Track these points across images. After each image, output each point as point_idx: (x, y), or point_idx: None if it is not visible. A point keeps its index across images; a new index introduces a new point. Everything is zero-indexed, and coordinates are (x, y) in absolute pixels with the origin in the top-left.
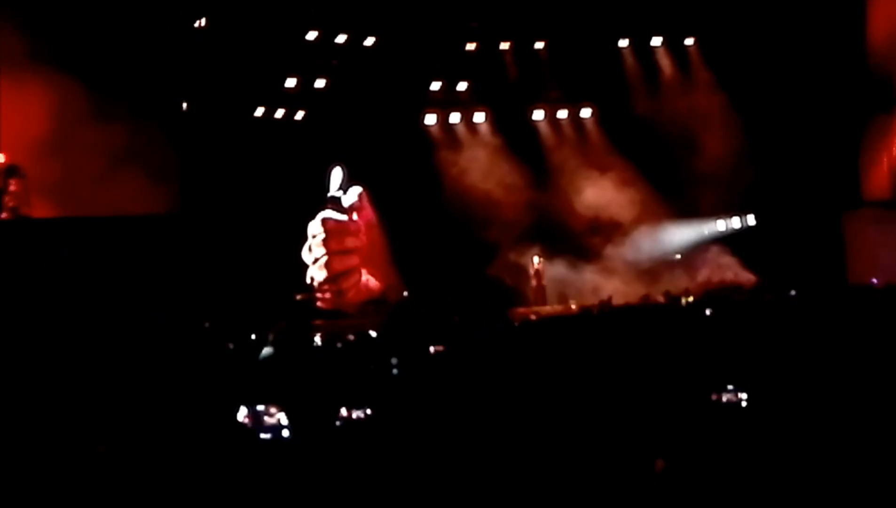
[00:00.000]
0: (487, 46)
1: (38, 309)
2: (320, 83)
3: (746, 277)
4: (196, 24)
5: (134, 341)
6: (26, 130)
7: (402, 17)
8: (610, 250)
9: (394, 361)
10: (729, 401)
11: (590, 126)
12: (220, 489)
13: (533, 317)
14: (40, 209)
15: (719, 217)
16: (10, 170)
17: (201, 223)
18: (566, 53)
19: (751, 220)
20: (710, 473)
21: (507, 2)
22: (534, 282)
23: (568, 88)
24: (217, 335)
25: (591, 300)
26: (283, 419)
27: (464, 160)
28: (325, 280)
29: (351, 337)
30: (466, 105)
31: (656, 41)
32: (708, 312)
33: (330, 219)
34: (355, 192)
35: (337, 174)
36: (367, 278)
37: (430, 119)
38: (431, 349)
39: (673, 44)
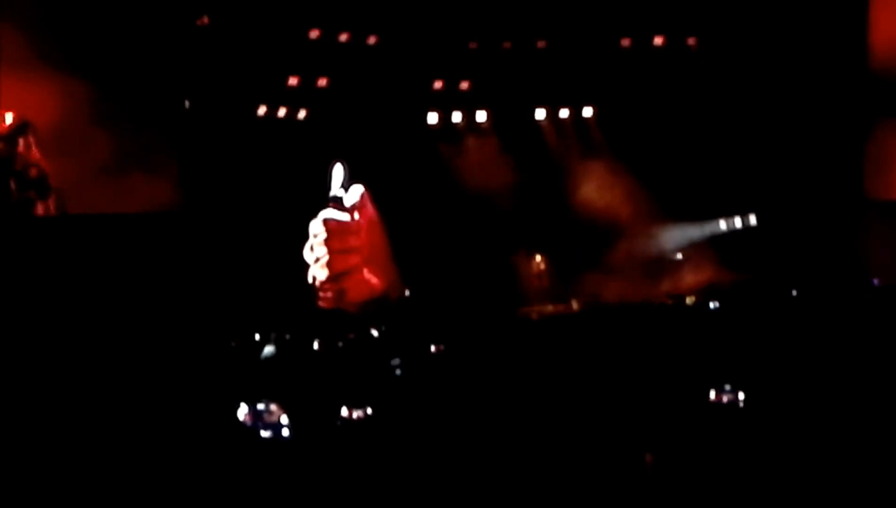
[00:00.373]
0: (489, 45)
1: (40, 307)
2: (322, 82)
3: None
4: (198, 22)
5: (136, 338)
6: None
7: (404, 16)
8: (612, 250)
9: (395, 361)
10: (728, 400)
11: (592, 126)
12: (220, 487)
13: (534, 316)
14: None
15: (721, 217)
16: (21, 128)
17: (203, 222)
18: (568, 53)
19: (752, 220)
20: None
21: (508, 1)
22: (535, 281)
23: (570, 88)
24: (219, 333)
25: (594, 300)
26: (283, 417)
27: (465, 159)
28: (327, 279)
29: (352, 336)
30: (468, 104)
31: (658, 41)
32: (713, 305)
33: (331, 218)
34: (357, 191)
35: (338, 172)
36: (369, 277)
37: (432, 118)
38: (433, 347)
39: (674, 43)
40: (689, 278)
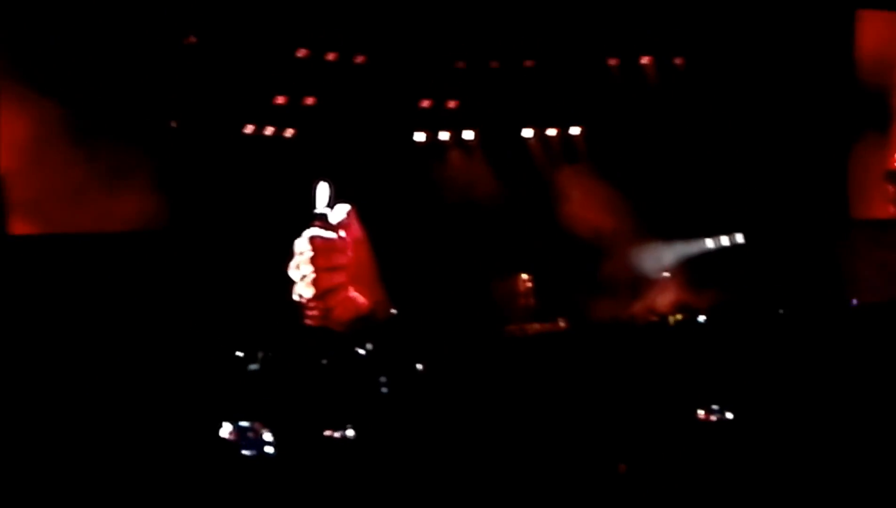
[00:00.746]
0: (477, 65)
1: (22, 327)
2: (310, 101)
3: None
4: (185, 41)
5: (120, 357)
6: (10, 146)
7: (391, 36)
8: (599, 268)
9: (382, 379)
10: (713, 419)
11: (579, 145)
12: (205, 504)
13: (521, 335)
14: (21, 226)
15: (708, 235)
16: None
17: (189, 240)
18: (555, 72)
19: (739, 238)
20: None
21: (496, 20)
22: (522, 300)
23: (557, 107)
24: (204, 352)
25: (580, 318)
26: (267, 436)
27: (452, 178)
28: (313, 297)
29: (339, 355)
30: (455, 123)
31: (645, 60)
32: (701, 318)
33: (317, 236)
34: (343, 209)
35: (323, 190)
36: (355, 296)
37: (419, 137)
38: (419, 366)
39: (661, 62)
40: (668, 297)
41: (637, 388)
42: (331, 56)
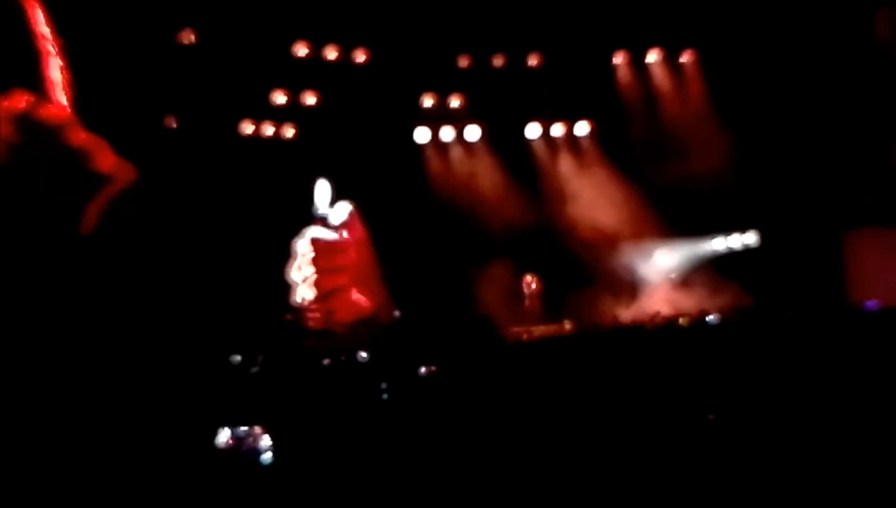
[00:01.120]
0: (480, 61)
1: (22, 328)
2: (310, 99)
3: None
4: (184, 40)
5: (120, 359)
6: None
7: (392, 33)
8: (606, 269)
9: (383, 385)
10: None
11: (585, 142)
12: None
13: (525, 337)
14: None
15: (719, 235)
16: None
17: (188, 240)
18: (561, 68)
19: (751, 238)
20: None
21: (500, 16)
22: (527, 301)
23: (563, 104)
24: (202, 354)
25: (586, 320)
26: (266, 441)
27: (456, 176)
28: (314, 299)
29: (342, 358)
30: (459, 121)
31: (652, 56)
32: (710, 318)
33: (319, 237)
34: (345, 209)
35: (323, 190)
36: (357, 297)
37: (422, 135)
38: (423, 369)
39: (670, 58)
40: (673, 299)
41: (645, 392)
42: (332, 53)
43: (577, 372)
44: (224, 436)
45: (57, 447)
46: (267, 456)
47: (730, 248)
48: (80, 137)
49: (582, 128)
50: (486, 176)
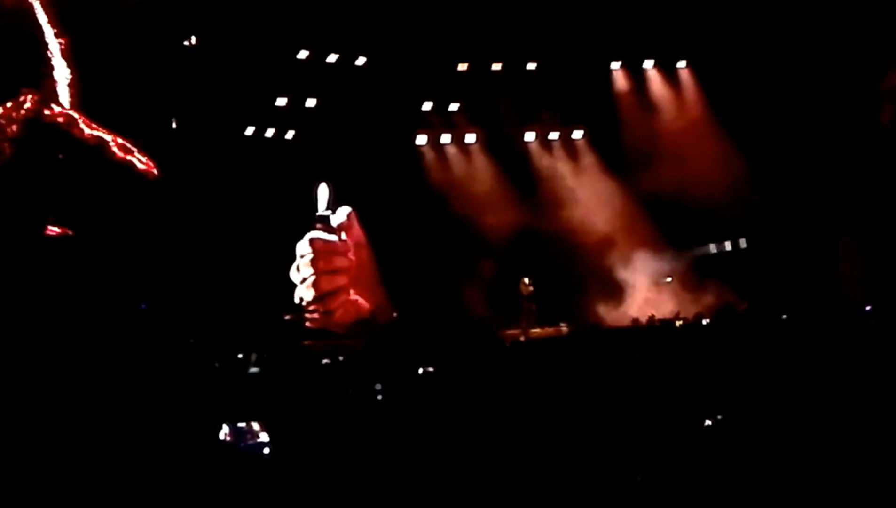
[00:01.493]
0: (479, 67)
1: (21, 328)
2: (311, 102)
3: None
4: (186, 43)
5: (118, 357)
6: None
7: (393, 38)
8: (602, 273)
9: (378, 386)
10: (717, 425)
11: (581, 148)
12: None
13: (522, 339)
14: None
15: (711, 241)
16: None
17: (189, 242)
18: (558, 75)
19: (742, 244)
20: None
21: (498, 22)
22: (524, 304)
23: (560, 110)
24: (203, 353)
25: (582, 323)
26: (264, 437)
27: (454, 181)
28: (313, 300)
29: (340, 358)
30: (457, 126)
31: (648, 64)
32: (705, 322)
33: (318, 239)
34: (344, 211)
35: (323, 192)
36: (356, 299)
37: (421, 140)
38: (420, 370)
39: (665, 67)
40: (671, 301)
41: (642, 394)
42: (332, 58)
43: (574, 374)
44: (224, 432)
45: (56, 443)
46: (265, 451)
47: (721, 252)
48: (88, 134)
49: (578, 134)
50: (484, 180)
